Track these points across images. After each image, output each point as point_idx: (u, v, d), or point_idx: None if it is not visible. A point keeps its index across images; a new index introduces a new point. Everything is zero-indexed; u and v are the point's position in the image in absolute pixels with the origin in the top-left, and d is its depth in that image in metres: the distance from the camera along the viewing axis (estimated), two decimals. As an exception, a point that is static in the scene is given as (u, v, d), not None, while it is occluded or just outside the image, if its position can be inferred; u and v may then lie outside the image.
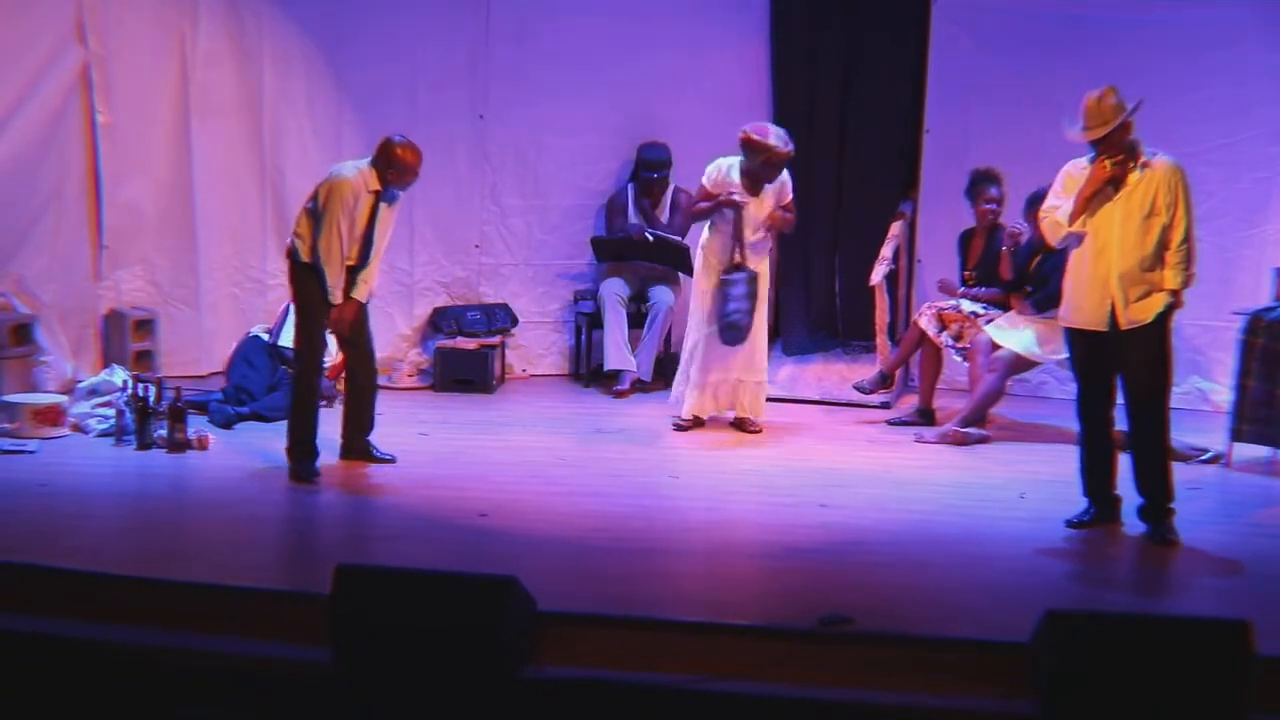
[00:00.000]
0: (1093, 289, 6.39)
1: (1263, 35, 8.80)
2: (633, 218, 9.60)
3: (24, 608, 5.45)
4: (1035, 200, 7.70)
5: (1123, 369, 6.44)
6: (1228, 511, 7.07)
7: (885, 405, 8.90)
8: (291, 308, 8.80)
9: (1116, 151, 6.27)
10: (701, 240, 8.30)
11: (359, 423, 7.51)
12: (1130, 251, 6.31)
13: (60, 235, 8.71)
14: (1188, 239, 6.29)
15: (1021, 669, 4.90)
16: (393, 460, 7.48)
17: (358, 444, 7.49)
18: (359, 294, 7.23)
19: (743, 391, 8.26)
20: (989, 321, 8.42)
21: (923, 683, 4.97)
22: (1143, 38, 8.89)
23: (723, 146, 9.77)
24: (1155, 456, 6.43)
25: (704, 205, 8.22)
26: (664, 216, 9.58)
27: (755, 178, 8.14)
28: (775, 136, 8.05)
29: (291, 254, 7.31)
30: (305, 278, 7.23)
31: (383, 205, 7.24)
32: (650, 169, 9.53)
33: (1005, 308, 8.48)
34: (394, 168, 7.15)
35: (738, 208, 8.13)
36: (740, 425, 8.34)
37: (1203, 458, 7.79)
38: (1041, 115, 8.73)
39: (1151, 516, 6.43)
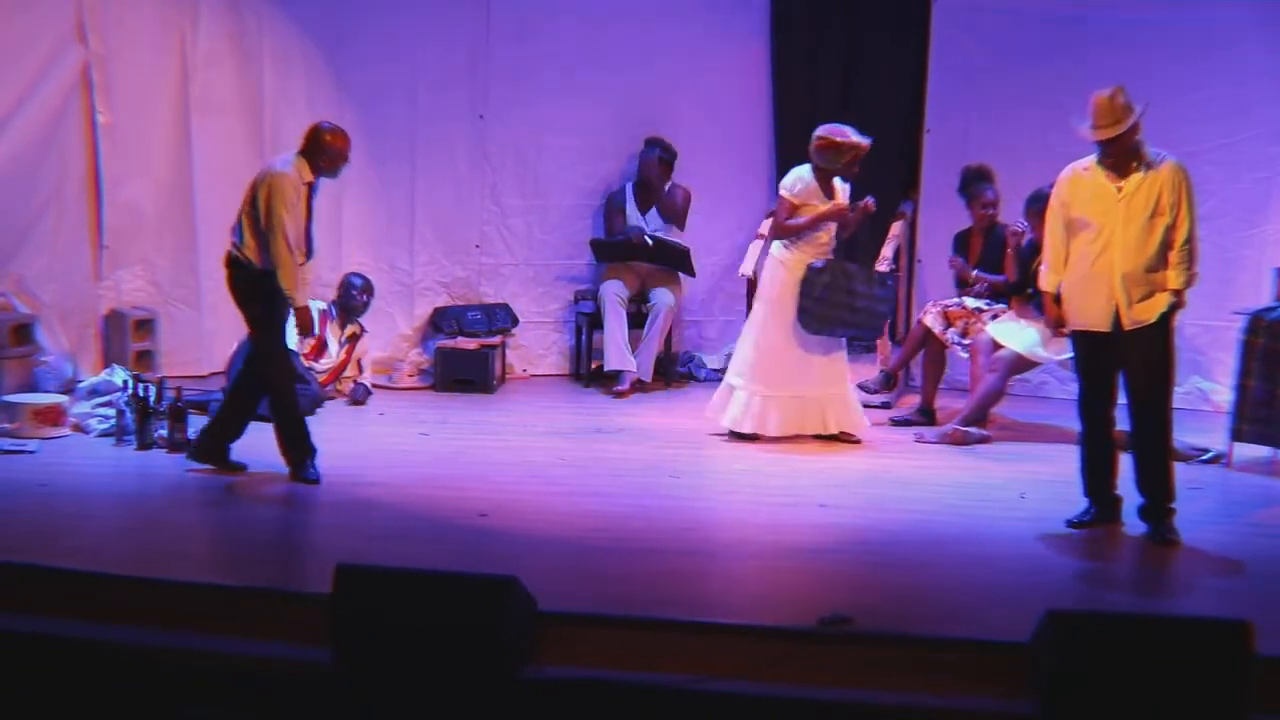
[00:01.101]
0: (1096, 290, 6.38)
1: (1263, 35, 8.81)
2: (631, 217, 9.60)
3: (24, 608, 5.45)
4: (1036, 200, 7.71)
5: (1125, 369, 6.44)
6: (1228, 511, 7.06)
7: (886, 405, 8.90)
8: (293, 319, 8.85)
9: (1122, 152, 6.27)
10: (781, 253, 7.98)
11: (229, 428, 7.18)
12: (1133, 252, 6.31)
13: (60, 235, 8.71)
14: (1190, 239, 6.28)
15: (1022, 669, 4.89)
16: (244, 469, 7.16)
17: (217, 449, 7.17)
18: (301, 296, 7.01)
19: (829, 406, 8.01)
20: (993, 318, 8.42)
21: (923, 683, 4.96)
22: (1143, 37, 8.90)
23: (723, 146, 9.83)
24: (1157, 457, 6.43)
25: (801, 220, 7.89)
26: (657, 214, 9.58)
27: (832, 179, 7.95)
28: (854, 134, 7.86)
29: (235, 263, 7.03)
30: (254, 285, 7.00)
31: (315, 197, 7.09)
32: (663, 149, 9.52)
33: (1010, 295, 8.48)
34: (326, 155, 7.00)
35: (845, 214, 7.94)
36: (837, 438, 8.09)
37: (1203, 458, 7.79)
38: (1042, 115, 8.78)
39: (1152, 516, 6.43)
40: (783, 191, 7.98)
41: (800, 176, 7.96)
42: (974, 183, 8.60)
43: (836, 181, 7.97)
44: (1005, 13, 9.31)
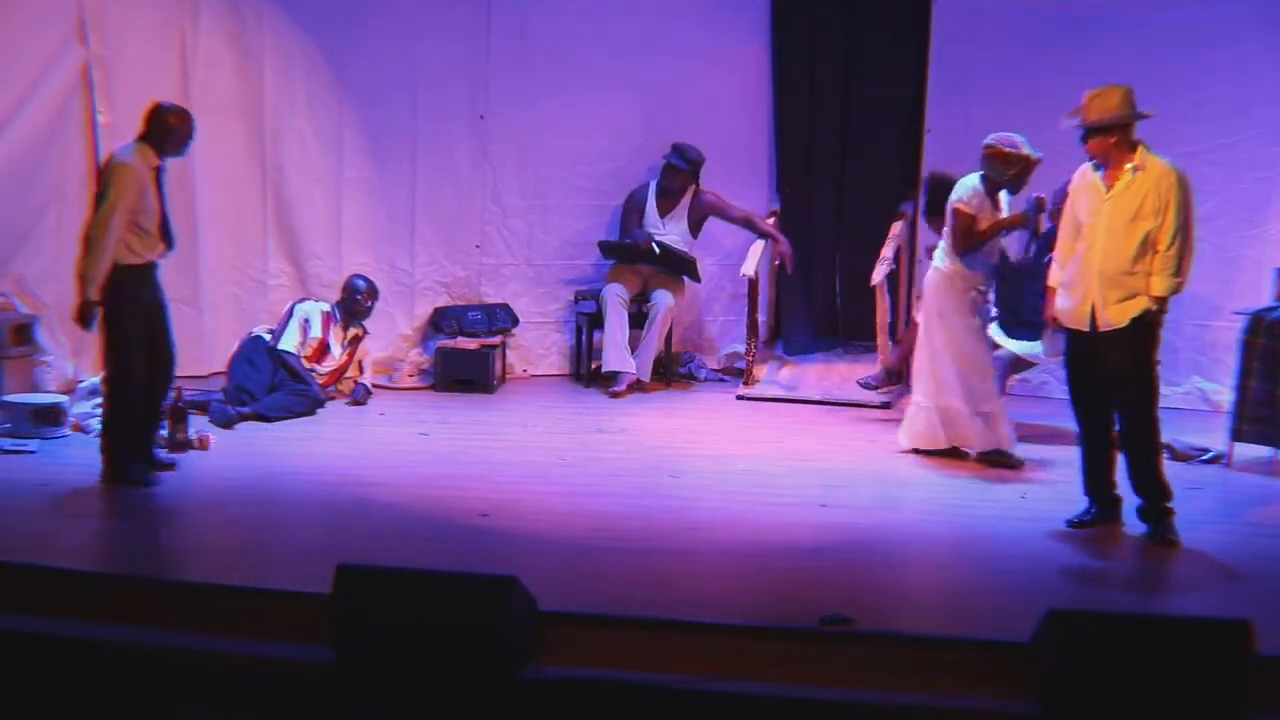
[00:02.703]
0: (1079, 289, 6.41)
1: (1263, 35, 8.79)
2: (649, 217, 9.58)
3: (24, 608, 5.45)
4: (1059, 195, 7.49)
5: (1103, 370, 6.43)
6: (1228, 511, 7.06)
7: (887, 405, 8.89)
8: (296, 309, 8.84)
9: (1100, 149, 6.27)
10: (946, 264, 7.59)
11: (143, 429, 7.09)
12: (1112, 254, 6.30)
13: (61, 235, 8.67)
14: (1176, 245, 6.21)
15: (1022, 669, 4.90)
16: (173, 468, 7.14)
17: (140, 451, 7.06)
18: (93, 290, 6.71)
19: (974, 423, 7.62)
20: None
21: (923, 683, 4.97)
22: (1143, 37, 8.88)
23: (723, 147, 9.82)
24: (1143, 457, 6.42)
25: (985, 229, 7.46)
26: (681, 217, 9.58)
27: (998, 190, 7.56)
28: (1025, 145, 7.44)
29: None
30: (114, 285, 6.80)
31: (164, 180, 6.96)
32: (683, 159, 9.47)
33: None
34: (172, 136, 6.89)
35: (1024, 224, 7.64)
36: (990, 460, 7.63)
37: (1203, 458, 7.79)
38: (1042, 115, 8.66)
39: (1150, 517, 6.43)
40: (958, 204, 7.47)
41: (973, 188, 7.48)
42: (947, 193, 8.63)
43: (1002, 194, 7.59)
44: (1005, 12, 9.29)
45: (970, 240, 7.49)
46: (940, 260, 7.68)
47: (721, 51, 9.85)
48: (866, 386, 8.69)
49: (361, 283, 9.08)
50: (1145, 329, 6.32)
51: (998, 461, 7.59)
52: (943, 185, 8.27)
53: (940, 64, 9.45)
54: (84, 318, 6.86)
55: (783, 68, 9.89)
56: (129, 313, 6.87)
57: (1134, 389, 6.38)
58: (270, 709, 5.04)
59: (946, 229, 7.61)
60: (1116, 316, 6.31)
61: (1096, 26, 8.98)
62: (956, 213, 7.52)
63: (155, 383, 7.12)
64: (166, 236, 6.99)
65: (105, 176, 6.82)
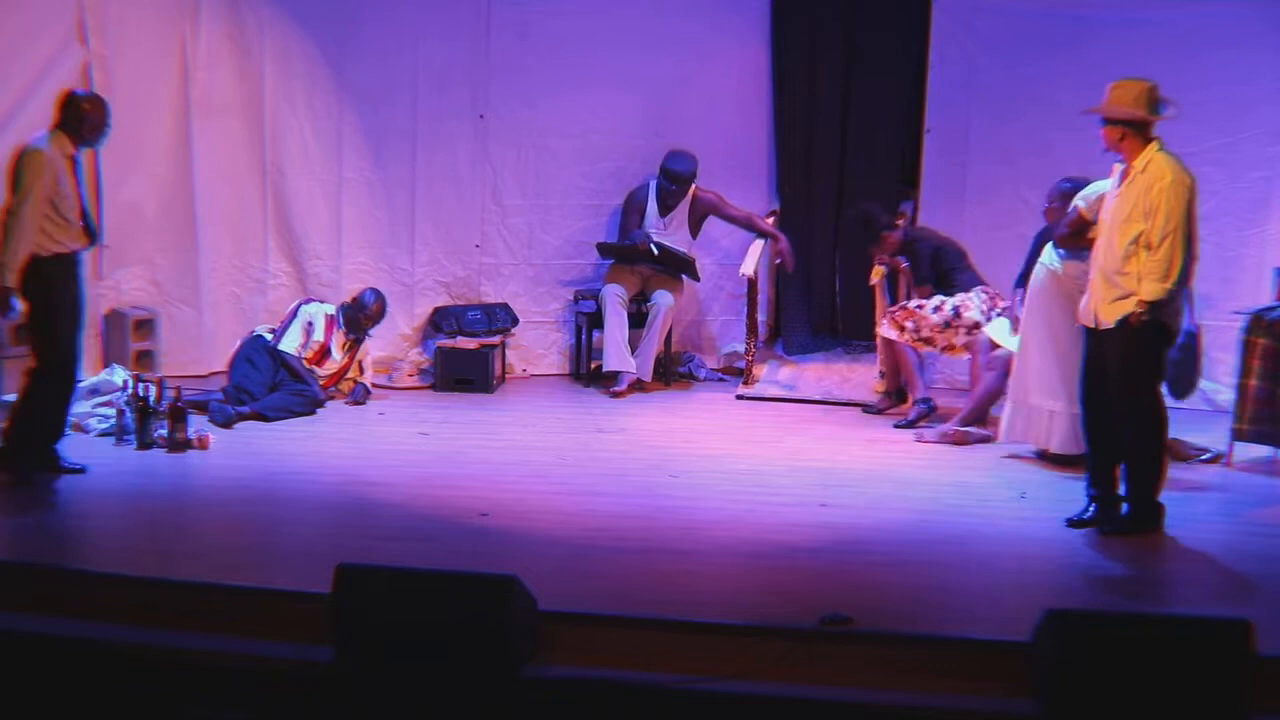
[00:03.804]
0: (1090, 284, 6.42)
1: (1262, 35, 8.79)
2: (650, 216, 9.58)
3: (24, 608, 5.44)
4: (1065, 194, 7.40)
5: (1107, 370, 6.43)
6: (1228, 511, 7.06)
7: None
8: (300, 309, 8.82)
9: (1110, 140, 6.26)
10: (1057, 263, 7.27)
11: (48, 428, 6.97)
12: (1108, 252, 6.30)
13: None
14: (1163, 249, 6.13)
15: (1023, 668, 4.90)
16: (83, 470, 7.01)
17: (44, 452, 6.96)
18: (7, 277, 6.63)
19: (1057, 422, 7.46)
20: (935, 310, 8.42)
21: (923, 682, 4.97)
22: (1143, 37, 8.87)
23: (723, 147, 9.82)
24: (1137, 471, 6.43)
25: (1094, 235, 6.79)
26: (681, 217, 9.57)
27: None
28: None
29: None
30: (42, 275, 6.75)
31: (80, 169, 6.90)
32: (671, 180, 9.48)
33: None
34: (87, 123, 6.82)
35: None
36: (1065, 461, 7.48)
37: (1203, 457, 7.78)
38: (1042, 114, 8.76)
39: (1126, 524, 6.44)
40: (1081, 203, 6.89)
41: (1100, 192, 6.74)
42: (865, 233, 8.78)
43: None
44: (1005, 13, 9.29)
45: (1076, 240, 7.03)
46: (1049, 258, 7.41)
47: (721, 52, 9.85)
48: (870, 413, 8.71)
49: (370, 298, 8.96)
50: (1137, 332, 6.24)
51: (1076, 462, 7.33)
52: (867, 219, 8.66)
53: (940, 63, 9.45)
54: (3, 308, 6.75)
55: (782, 67, 9.89)
56: (59, 303, 6.82)
57: (1128, 388, 6.35)
58: (271, 708, 5.04)
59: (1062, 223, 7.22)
60: (1109, 315, 6.32)
61: (1096, 26, 8.98)
62: (1077, 209, 7.01)
63: (55, 381, 6.96)
64: (88, 228, 6.92)
65: (18, 165, 6.72)
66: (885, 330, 8.62)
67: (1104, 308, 6.31)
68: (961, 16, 9.38)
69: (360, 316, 8.92)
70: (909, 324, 8.49)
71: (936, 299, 8.49)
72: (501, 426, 8.48)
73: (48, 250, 6.75)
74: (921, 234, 8.85)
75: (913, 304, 8.54)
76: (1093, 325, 6.42)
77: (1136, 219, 6.20)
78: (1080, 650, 4.73)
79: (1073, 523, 6.56)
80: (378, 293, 9.02)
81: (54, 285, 6.79)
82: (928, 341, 8.49)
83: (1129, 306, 6.24)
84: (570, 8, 9.69)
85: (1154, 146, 6.26)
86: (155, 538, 6.29)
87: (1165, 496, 6.50)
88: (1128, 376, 6.34)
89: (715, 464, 7.68)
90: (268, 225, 9.54)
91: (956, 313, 8.41)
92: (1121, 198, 6.27)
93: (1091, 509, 6.58)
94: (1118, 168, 6.39)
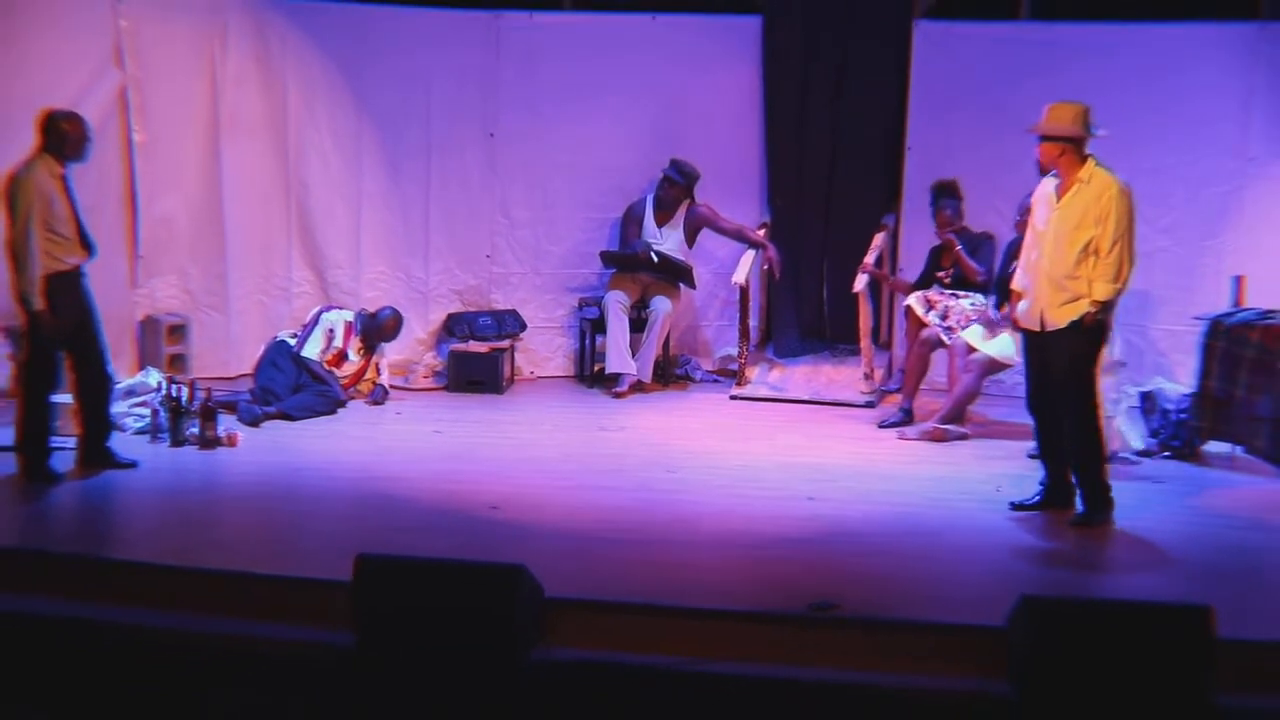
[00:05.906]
0: (1032, 291, 6.45)
1: (1223, 59, 8.80)
2: (648, 228, 9.58)
3: (69, 594, 5.46)
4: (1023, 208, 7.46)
5: (1050, 369, 6.45)
6: (1190, 504, 7.04)
7: (871, 405, 8.89)
8: (322, 317, 8.82)
9: (1047, 158, 6.32)
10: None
11: (95, 428, 7.00)
12: (1056, 259, 6.33)
13: (100, 248, 8.68)
14: (1114, 252, 6.20)
15: (999, 651, 4.90)
16: (134, 465, 7.02)
17: (96, 449, 7.00)
18: (36, 300, 6.58)
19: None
20: (971, 304, 8.39)
21: (906, 664, 4.97)
22: (1110, 62, 8.89)
23: (718, 163, 9.82)
24: (1083, 461, 6.45)
25: None
26: (677, 228, 9.57)
27: None
28: None
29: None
30: (45, 293, 6.65)
31: (71, 187, 6.78)
32: (678, 172, 9.46)
33: (977, 288, 8.46)
34: (69, 141, 6.68)
35: None
36: None
37: (1164, 454, 7.76)
38: (1016, 134, 8.67)
39: (1082, 520, 6.45)
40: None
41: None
42: (937, 198, 8.63)
43: None
44: (982, 39, 9.32)
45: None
46: None
47: (715, 74, 9.86)
48: (887, 427, 8.61)
49: (385, 315, 8.98)
50: (1085, 331, 6.33)
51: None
52: (935, 190, 8.49)
53: (921, 86, 9.46)
54: (43, 329, 6.66)
55: (773, 89, 9.89)
56: (72, 317, 6.75)
57: (1072, 389, 6.40)
58: (295, 689, 5.04)
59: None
60: (1058, 318, 6.35)
61: (1067, 51, 8.98)
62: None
63: (91, 398, 6.96)
64: (85, 242, 6.82)
65: (10, 193, 6.61)
66: (915, 302, 8.52)
67: (1053, 310, 6.36)
68: (941, 40, 9.39)
69: (375, 331, 8.93)
70: (940, 307, 8.41)
71: (975, 296, 8.44)
72: (510, 425, 8.48)
73: (49, 269, 6.66)
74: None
75: (964, 300, 8.45)
76: (1038, 328, 6.44)
77: (1087, 226, 6.25)
78: (1053, 634, 4.74)
79: (1015, 505, 6.62)
80: (395, 312, 9.04)
81: (50, 305, 6.65)
82: (945, 327, 8.40)
83: (1082, 308, 6.29)
84: (575, 34, 9.71)
85: (1092, 161, 6.30)
86: (188, 528, 6.29)
87: (1132, 490, 6.50)
88: (1075, 371, 6.39)
89: (710, 460, 7.68)
90: (291, 236, 9.55)
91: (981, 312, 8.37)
92: (1067, 208, 6.31)
93: (1036, 496, 6.64)
94: (1051, 181, 6.42)
